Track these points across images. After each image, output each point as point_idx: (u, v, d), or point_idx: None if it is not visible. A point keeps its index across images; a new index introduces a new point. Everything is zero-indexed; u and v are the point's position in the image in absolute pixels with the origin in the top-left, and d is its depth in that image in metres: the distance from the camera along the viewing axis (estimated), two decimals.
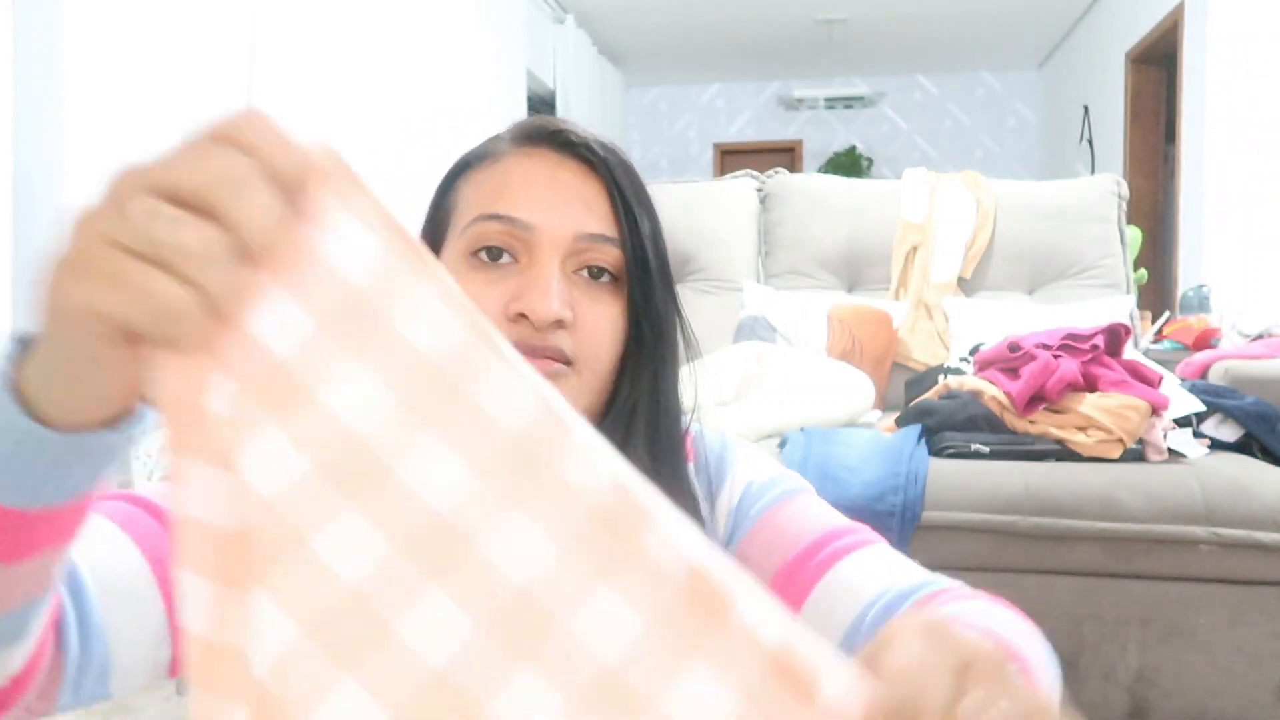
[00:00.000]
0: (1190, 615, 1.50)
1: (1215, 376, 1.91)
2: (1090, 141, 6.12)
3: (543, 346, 0.59)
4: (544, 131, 0.64)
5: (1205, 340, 2.45)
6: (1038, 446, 1.62)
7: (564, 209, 0.61)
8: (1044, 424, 1.64)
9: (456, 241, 0.63)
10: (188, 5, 2.55)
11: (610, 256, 0.62)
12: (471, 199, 0.63)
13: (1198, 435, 1.68)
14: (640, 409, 0.64)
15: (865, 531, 0.66)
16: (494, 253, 0.61)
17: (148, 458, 2.41)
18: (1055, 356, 1.67)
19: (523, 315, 0.59)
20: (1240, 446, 1.72)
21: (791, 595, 0.63)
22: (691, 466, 0.69)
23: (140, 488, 0.55)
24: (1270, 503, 1.47)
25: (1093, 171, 5.74)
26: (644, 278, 0.63)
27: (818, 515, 0.66)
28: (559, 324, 0.59)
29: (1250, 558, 1.47)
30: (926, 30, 6.70)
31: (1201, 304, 3.34)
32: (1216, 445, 1.70)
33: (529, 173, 0.62)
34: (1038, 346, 1.71)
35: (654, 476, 0.60)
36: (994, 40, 6.96)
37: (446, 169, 0.69)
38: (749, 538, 0.66)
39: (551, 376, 0.58)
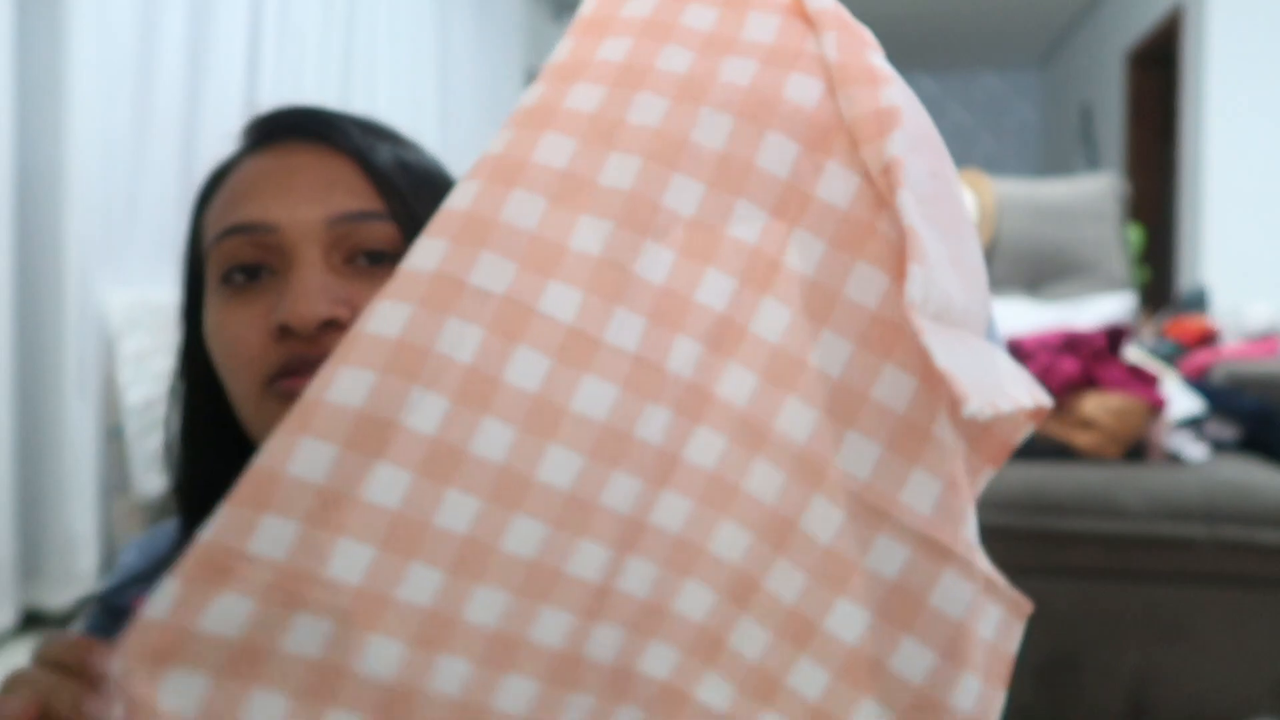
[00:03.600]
0: (1190, 615, 1.50)
1: (1215, 376, 1.91)
2: (1090, 141, 6.12)
3: (320, 357, 0.49)
4: (268, 124, 0.56)
5: (1205, 340, 2.45)
6: (1038, 446, 1.62)
7: (306, 196, 0.52)
8: (1044, 424, 1.63)
9: (209, 279, 0.54)
10: (188, 5, 2.55)
11: (383, 233, 0.53)
12: (213, 223, 0.55)
13: (1198, 436, 1.68)
14: None
15: None
16: (250, 271, 0.52)
17: (148, 457, 2.40)
18: (1056, 356, 1.67)
19: (286, 328, 0.50)
20: (1241, 446, 1.72)
21: None
22: None
23: None
24: (1270, 503, 1.47)
25: (1093, 171, 5.74)
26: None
27: None
28: (332, 325, 0.50)
29: (1250, 558, 1.47)
30: (927, 29, 6.70)
31: (1201, 304, 3.35)
32: (1217, 445, 1.70)
33: (259, 172, 0.54)
34: (1038, 346, 1.71)
35: None
36: (994, 40, 6.96)
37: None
38: None
39: None
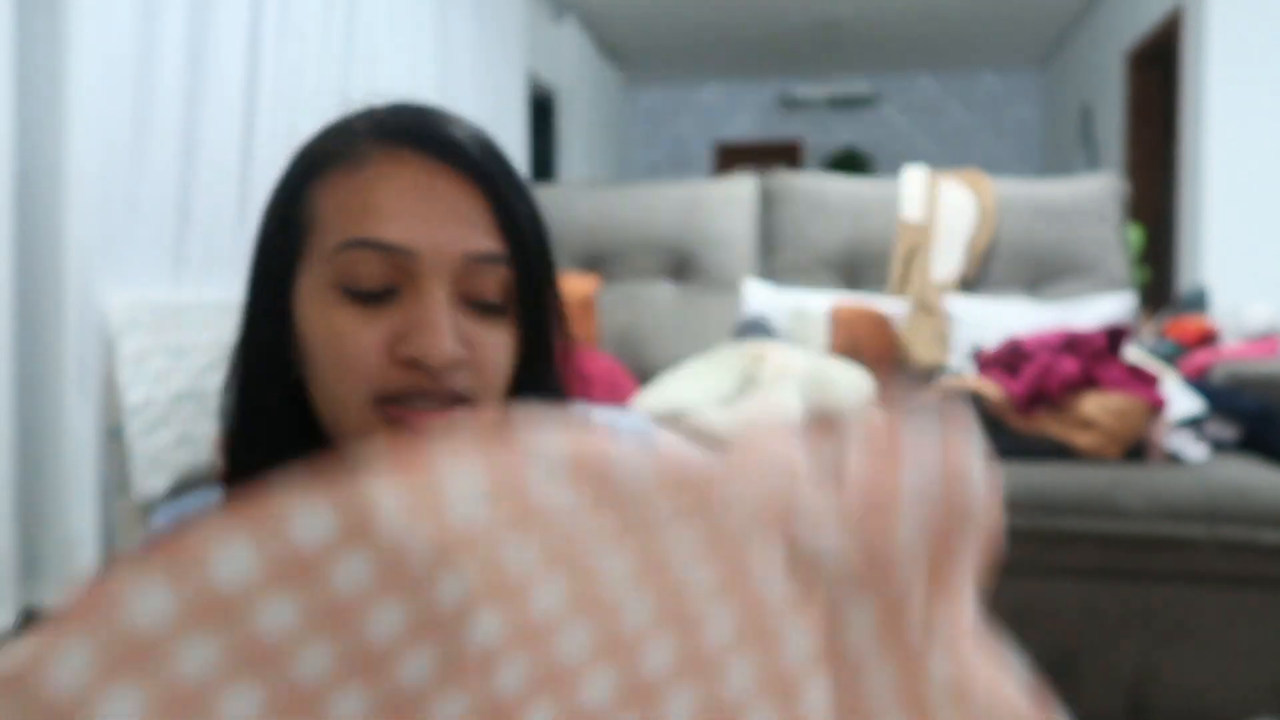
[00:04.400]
0: (1190, 615, 1.50)
1: (1215, 376, 1.91)
2: (1090, 141, 6.12)
3: (441, 392, 0.52)
4: (408, 129, 0.55)
5: (1205, 340, 2.45)
6: (1038, 446, 1.62)
7: (446, 227, 0.52)
8: (1044, 424, 1.64)
9: (320, 267, 0.53)
10: (188, 6, 2.55)
11: (498, 278, 0.54)
12: (333, 214, 0.53)
13: (1198, 436, 1.68)
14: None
15: None
16: (371, 284, 0.52)
17: (148, 457, 2.41)
18: (1056, 356, 1.67)
19: (416, 361, 0.51)
20: (1241, 446, 1.72)
21: None
22: None
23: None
24: (1271, 503, 1.47)
25: (1093, 171, 5.74)
26: (536, 295, 0.57)
27: None
28: (456, 363, 0.52)
29: (1250, 558, 1.47)
30: (927, 30, 6.70)
31: (1201, 304, 3.35)
32: (1217, 445, 1.70)
33: (399, 184, 0.53)
34: (1038, 347, 1.71)
35: None
36: (994, 40, 6.96)
37: None
38: None
39: (452, 424, 0.55)
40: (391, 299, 0.52)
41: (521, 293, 0.55)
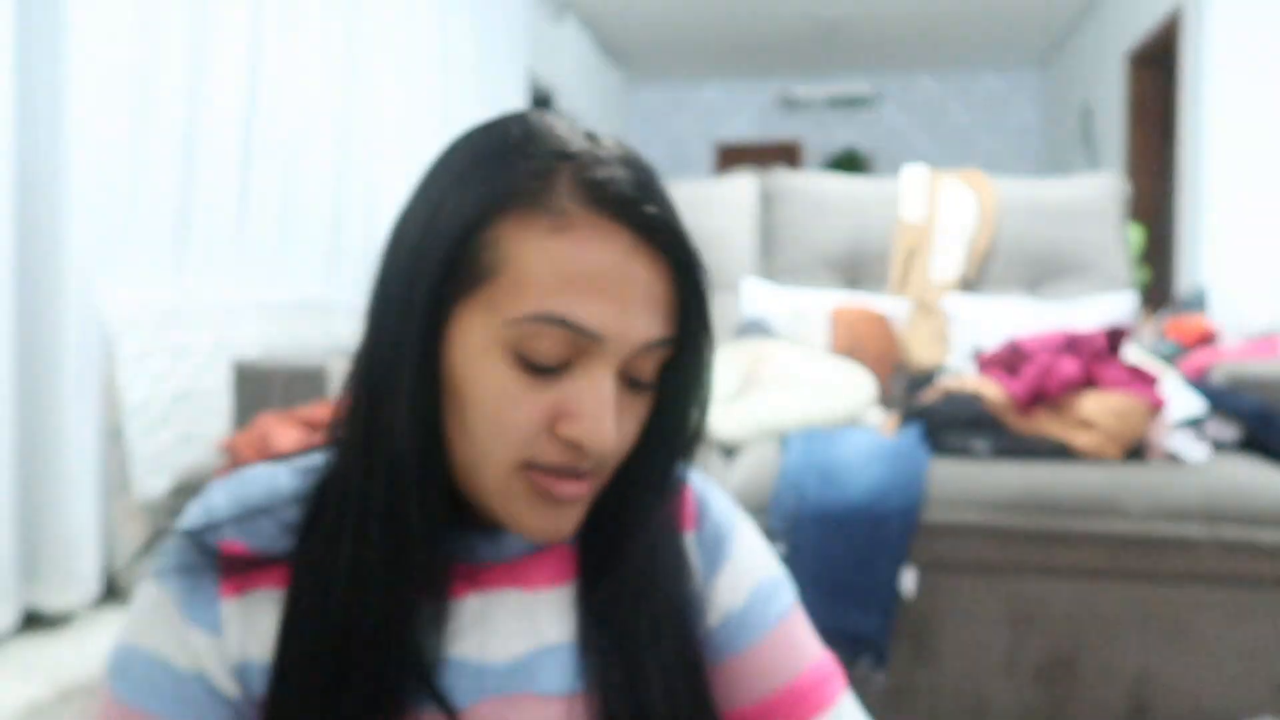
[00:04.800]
0: (1190, 615, 1.50)
1: (1215, 377, 1.91)
2: (1090, 141, 6.12)
3: (583, 471, 0.53)
4: (619, 200, 0.51)
5: (1205, 340, 2.45)
6: (1038, 446, 1.62)
7: (635, 314, 0.51)
8: (1044, 424, 1.64)
9: (498, 326, 0.51)
10: (189, 6, 2.55)
11: (659, 358, 0.54)
12: (528, 273, 0.50)
13: (1198, 436, 1.68)
14: (654, 504, 0.60)
15: (836, 673, 0.66)
16: (548, 360, 0.51)
17: (148, 457, 2.40)
18: (1056, 356, 1.67)
19: (575, 442, 0.51)
20: (1241, 446, 1.72)
21: None
22: (692, 535, 0.65)
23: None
24: (1270, 503, 1.47)
25: (1093, 171, 5.74)
26: (696, 373, 0.57)
27: (805, 640, 0.66)
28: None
29: (1250, 558, 1.47)
30: (927, 30, 6.70)
31: (1201, 304, 3.35)
32: (1217, 445, 1.70)
33: (606, 264, 0.50)
34: (1038, 347, 1.71)
35: (622, 558, 0.59)
36: (994, 40, 6.96)
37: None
38: (758, 649, 0.64)
39: (586, 495, 0.55)
40: (560, 373, 0.52)
41: (677, 367, 0.56)
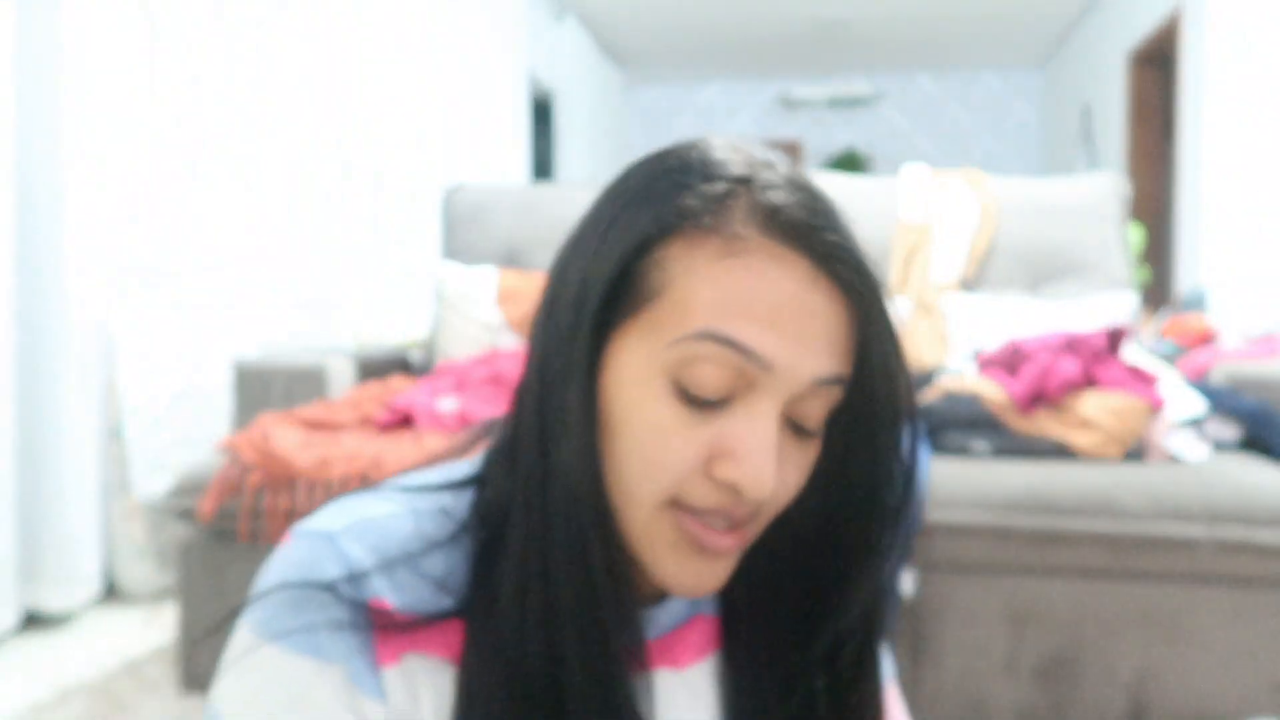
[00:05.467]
0: (1190, 615, 1.50)
1: (1215, 377, 1.91)
2: (1090, 141, 6.12)
3: (741, 517, 0.49)
4: (797, 226, 0.47)
5: (1204, 340, 2.45)
6: (1038, 446, 1.62)
7: (809, 347, 0.47)
8: (1044, 424, 1.64)
9: (658, 348, 0.47)
10: (190, 7, 2.55)
11: (830, 400, 0.49)
12: (694, 294, 0.46)
13: (1198, 436, 1.68)
14: (874, 593, 0.54)
15: None
16: (710, 391, 0.47)
17: (148, 457, 2.41)
18: (1056, 356, 1.67)
19: (732, 484, 0.47)
20: (1241, 446, 1.72)
21: None
22: None
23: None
24: (1270, 503, 1.47)
25: (1093, 171, 5.74)
26: (880, 427, 0.51)
27: (899, 707, 0.63)
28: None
29: (1250, 558, 1.47)
30: (927, 30, 6.70)
31: (1201, 304, 3.35)
32: (1217, 446, 1.70)
33: (780, 291, 0.46)
34: (1038, 347, 1.71)
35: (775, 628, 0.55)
36: (994, 40, 6.96)
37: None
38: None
39: (737, 549, 0.50)
40: (721, 408, 0.47)
41: (851, 413, 0.51)
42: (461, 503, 0.53)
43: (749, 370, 0.46)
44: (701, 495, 0.48)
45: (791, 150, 8.12)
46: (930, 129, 7.94)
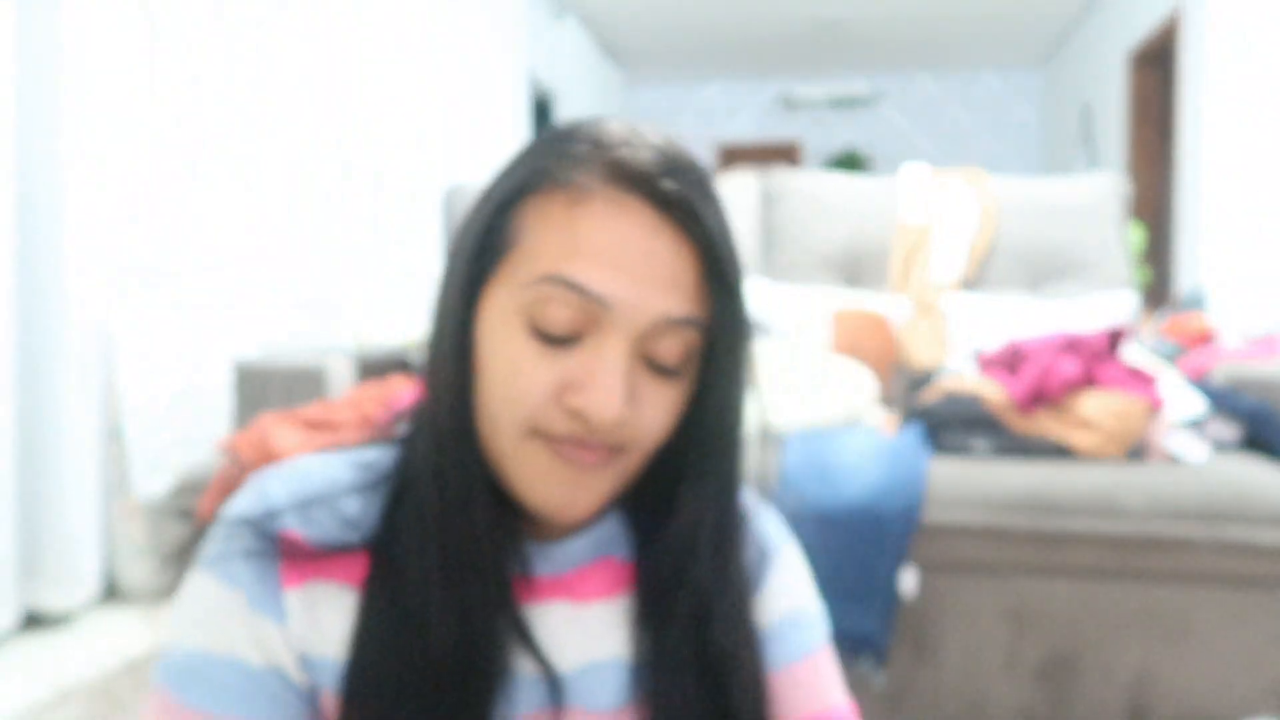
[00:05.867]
0: (1190, 615, 1.50)
1: (1215, 377, 1.91)
2: (1090, 141, 6.12)
3: (595, 444, 0.53)
4: (639, 175, 0.52)
5: (1204, 340, 2.45)
6: (1038, 446, 1.62)
7: (649, 287, 0.51)
8: (1044, 424, 1.64)
9: (515, 291, 0.52)
10: (190, 7, 2.55)
11: (686, 340, 0.53)
12: (542, 241, 0.52)
13: (1198, 436, 1.68)
14: (710, 508, 0.58)
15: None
16: (558, 328, 0.52)
17: (148, 457, 2.40)
18: (1056, 356, 1.67)
19: (579, 412, 0.51)
20: (1241, 446, 1.72)
21: None
22: None
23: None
24: (1270, 503, 1.47)
25: (1093, 171, 5.74)
26: (731, 363, 0.55)
27: (832, 681, 0.65)
28: (619, 424, 0.52)
29: (1250, 558, 1.47)
30: (927, 29, 6.70)
31: (1201, 304, 3.35)
32: (1217, 445, 1.70)
33: (618, 234, 0.51)
34: (1038, 347, 1.71)
35: (686, 574, 0.58)
36: (994, 40, 6.96)
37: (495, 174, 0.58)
38: (788, 672, 0.63)
39: (593, 467, 0.54)
40: (573, 344, 0.52)
41: (718, 358, 0.55)
42: (388, 458, 0.59)
43: (593, 309, 0.51)
44: (557, 423, 0.52)
45: (791, 150, 8.12)
46: (930, 129, 7.94)
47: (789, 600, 0.65)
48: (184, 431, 2.50)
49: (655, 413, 0.54)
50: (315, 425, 1.81)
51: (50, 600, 2.15)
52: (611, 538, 0.62)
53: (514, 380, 0.52)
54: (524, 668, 0.56)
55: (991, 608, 1.53)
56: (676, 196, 0.51)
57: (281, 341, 2.88)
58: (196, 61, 2.60)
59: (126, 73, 2.35)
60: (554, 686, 0.56)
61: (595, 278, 0.50)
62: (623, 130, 0.54)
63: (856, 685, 1.51)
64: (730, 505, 0.59)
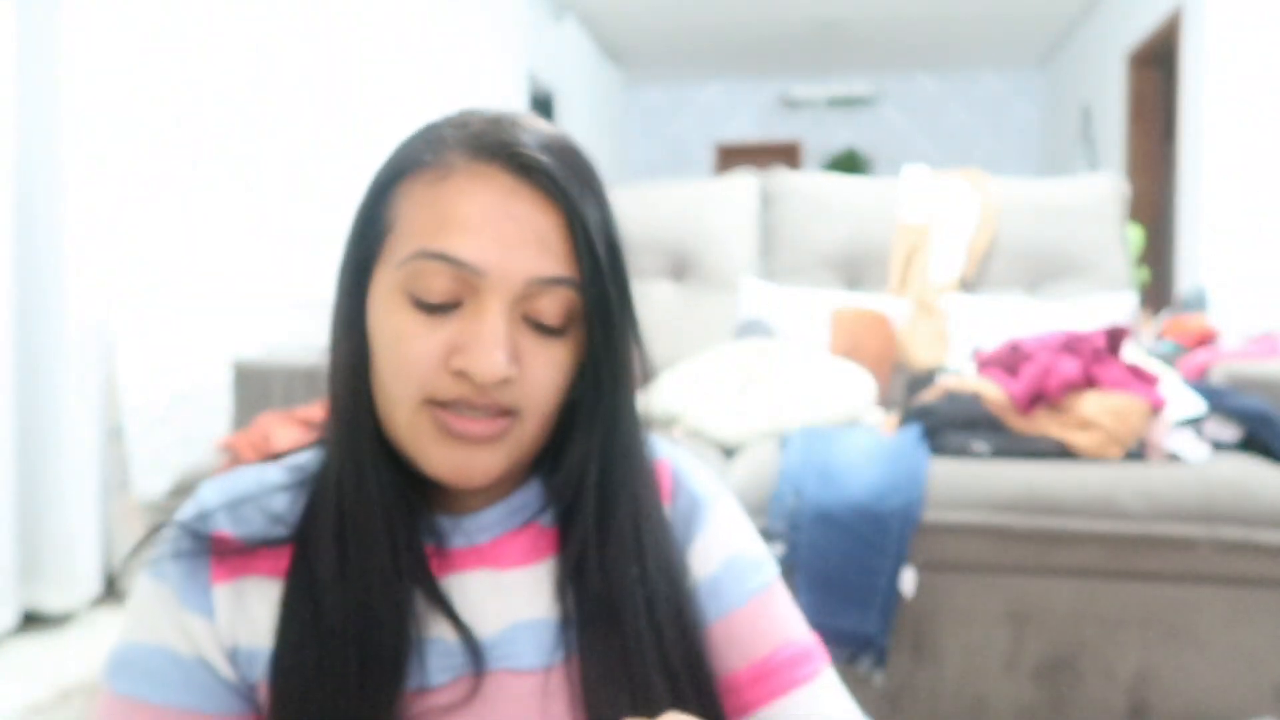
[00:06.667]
0: (1190, 615, 1.50)
1: (1215, 377, 1.91)
2: (1090, 141, 6.12)
3: (485, 404, 0.55)
4: (496, 145, 0.55)
5: (1204, 340, 2.44)
6: (1038, 446, 1.62)
7: (517, 250, 0.54)
8: (1044, 424, 1.63)
9: (392, 272, 0.55)
10: (189, 7, 2.55)
11: (564, 299, 0.56)
12: (413, 220, 0.55)
13: (1198, 436, 1.67)
14: (593, 460, 0.60)
15: (818, 653, 0.66)
16: (437, 296, 0.55)
17: (148, 457, 2.40)
18: (1056, 356, 1.67)
19: (464, 372, 0.54)
20: (1241, 446, 1.72)
21: (740, 703, 0.63)
22: (667, 508, 0.65)
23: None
24: (1270, 503, 1.47)
25: (1093, 171, 5.74)
26: (604, 320, 0.57)
27: (785, 617, 0.66)
28: (503, 380, 0.55)
29: (1250, 558, 1.47)
30: (927, 29, 6.70)
31: (1201, 304, 3.34)
32: (1217, 445, 1.70)
33: (479, 202, 0.54)
34: (1038, 347, 1.71)
35: (607, 531, 0.60)
36: (994, 39, 6.95)
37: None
38: (730, 620, 0.64)
39: (492, 436, 0.56)
40: (453, 310, 0.55)
41: (590, 315, 0.56)
42: (319, 458, 0.62)
43: (466, 276, 0.54)
44: (446, 388, 0.55)
45: (791, 150, 8.12)
46: (930, 129, 7.94)
47: (726, 550, 0.66)
48: (184, 431, 2.50)
49: (543, 371, 0.56)
50: (315, 425, 1.81)
51: (50, 600, 2.15)
52: (533, 506, 0.63)
53: (402, 351, 0.55)
54: (445, 635, 0.58)
55: (991, 608, 1.53)
56: (533, 162, 0.54)
57: (281, 341, 2.88)
58: (196, 61, 2.60)
59: (126, 73, 2.35)
60: (474, 651, 0.58)
61: (463, 246, 0.53)
62: (490, 114, 0.58)
63: (856, 685, 1.51)
64: (618, 444, 0.60)
